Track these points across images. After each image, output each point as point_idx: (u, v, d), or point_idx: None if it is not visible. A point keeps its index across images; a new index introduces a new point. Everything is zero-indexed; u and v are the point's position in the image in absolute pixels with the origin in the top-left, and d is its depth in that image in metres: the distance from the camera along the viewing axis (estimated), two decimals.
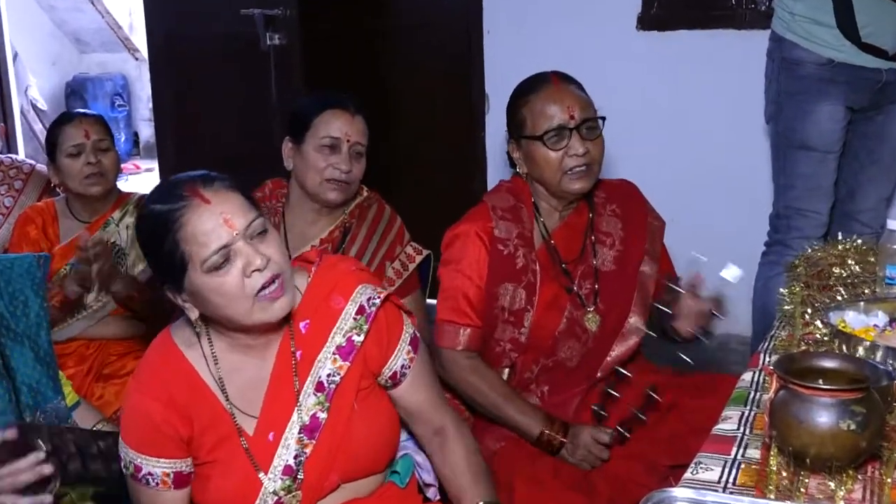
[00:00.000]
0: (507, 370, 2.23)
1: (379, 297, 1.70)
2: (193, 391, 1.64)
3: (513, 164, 2.29)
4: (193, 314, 1.61)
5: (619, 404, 2.12)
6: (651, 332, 2.15)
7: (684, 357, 2.15)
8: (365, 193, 2.57)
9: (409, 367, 1.76)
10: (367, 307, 1.69)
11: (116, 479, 1.81)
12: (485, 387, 2.16)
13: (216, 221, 1.52)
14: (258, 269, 1.53)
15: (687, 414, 2.14)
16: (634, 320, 2.23)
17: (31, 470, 1.58)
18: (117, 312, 2.82)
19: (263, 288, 1.55)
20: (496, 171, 3.93)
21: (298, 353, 1.68)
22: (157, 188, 1.64)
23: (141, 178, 8.13)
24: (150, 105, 9.35)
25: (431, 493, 1.89)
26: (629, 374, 2.13)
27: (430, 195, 4.06)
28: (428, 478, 1.89)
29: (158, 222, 1.54)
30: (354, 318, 1.68)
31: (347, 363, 1.68)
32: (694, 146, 3.66)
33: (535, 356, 2.22)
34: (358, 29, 4.17)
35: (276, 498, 1.65)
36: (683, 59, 3.62)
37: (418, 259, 2.55)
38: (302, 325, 1.69)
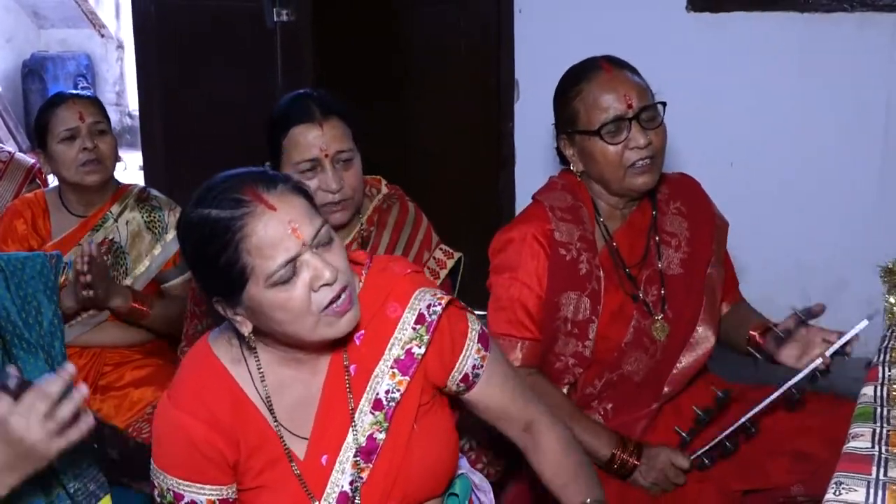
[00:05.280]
0: (566, 387, 2.25)
1: (440, 304, 1.69)
2: (239, 411, 1.64)
3: (563, 161, 2.31)
4: (246, 329, 1.60)
5: (703, 427, 2.13)
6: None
7: (754, 352, 2.17)
8: (384, 190, 2.52)
9: (482, 366, 1.75)
10: (427, 315, 1.68)
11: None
12: (548, 407, 2.16)
13: (283, 231, 1.50)
14: (327, 284, 1.53)
15: (762, 434, 2.16)
16: (703, 330, 2.26)
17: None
18: (115, 318, 2.82)
19: (331, 303, 1.54)
20: (526, 166, 3.95)
21: (352, 368, 1.68)
22: (207, 189, 1.56)
23: None
24: (118, 88, 9.47)
25: None
26: (728, 400, 2.12)
27: (450, 194, 4.08)
28: (485, 499, 1.92)
29: (216, 231, 1.50)
30: (413, 328, 1.68)
31: (407, 378, 1.68)
32: (752, 147, 3.66)
33: (598, 371, 2.24)
34: (375, 6, 4.19)
35: None
36: (739, 46, 3.64)
37: (450, 264, 2.52)
38: (356, 336, 1.68)
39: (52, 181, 3.23)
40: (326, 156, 2.25)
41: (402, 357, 1.68)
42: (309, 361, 1.67)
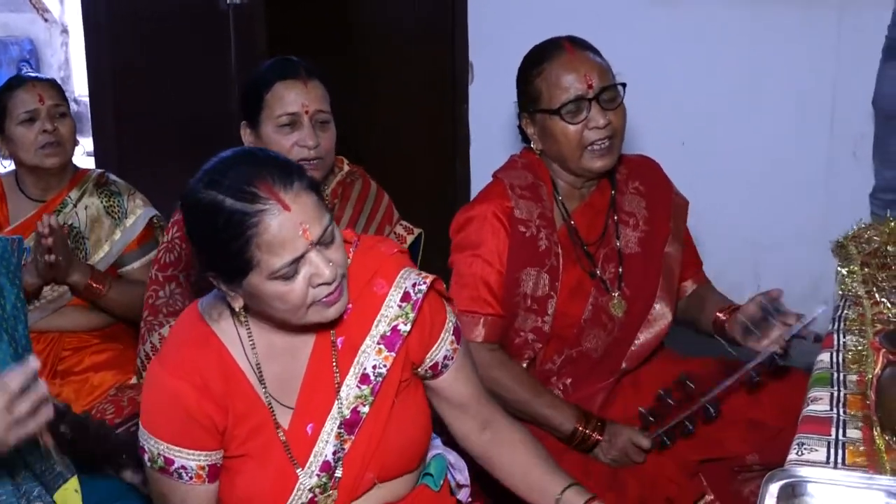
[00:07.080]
0: (525, 363, 2.28)
1: (425, 283, 1.73)
2: (229, 378, 1.66)
3: (525, 139, 2.34)
4: (237, 304, 1.62)
5: (666, 408, 2.17)
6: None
7: (717, 335, 2.22)
8: (346, 168, 2.57)
9: (452, 357, 1.80)
10: (412, 294, 1.72)
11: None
12: (510, 381, 2.20)
13: (295, 232, 1.52)
14: (326, 283, 1.56)
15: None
16: (660, 307, 2.32)
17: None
18: (76, 303, 2.82)
19: (325, 295, 1.58)
20: (481, 147, 3.99)
21: (339, 341, 1.71)
22: (220, 170, 1.56)
23: None
24: (62, 74, 9.30)
25: (463, 494, 1.94)
26: (692, 385, 2.15)
27: (407, 175, 4.08)
28: (461, 478, 1.94)
29: (230, 222, 1.51)
30: (399, 306, 1.71)
31: (393, 354, 1.71)
32: (703, 127, 3.72)
33: (557, 346, 2.28)
34: None
35: (310, 496, 1.69)
36: (690, 27, 3.69)
37: (410, 239, 2.57)
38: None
39: (8, 167, 3.19)
40: (307, 112, 2.33)
41: (389, 333, 1.71)
42: (299, 333, 1.69)
